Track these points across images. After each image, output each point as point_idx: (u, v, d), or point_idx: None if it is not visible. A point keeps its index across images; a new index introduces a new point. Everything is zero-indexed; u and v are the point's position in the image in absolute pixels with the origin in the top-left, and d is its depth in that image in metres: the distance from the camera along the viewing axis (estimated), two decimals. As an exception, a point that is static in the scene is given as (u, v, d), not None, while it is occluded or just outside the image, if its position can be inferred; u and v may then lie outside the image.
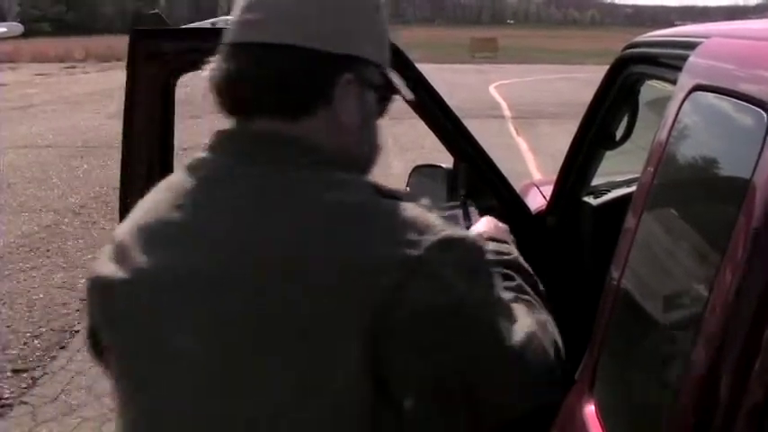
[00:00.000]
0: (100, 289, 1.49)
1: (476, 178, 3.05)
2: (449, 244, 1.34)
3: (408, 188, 3.36)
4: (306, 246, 1.32)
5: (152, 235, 1.44)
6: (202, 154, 1.49)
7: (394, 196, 1.41)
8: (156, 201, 1.50)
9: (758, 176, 1.27)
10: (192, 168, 1.49)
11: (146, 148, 2.66)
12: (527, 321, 1.46)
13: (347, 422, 1.34)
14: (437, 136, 2.96)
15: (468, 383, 1.39)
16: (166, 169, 2.68)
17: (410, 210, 1.37)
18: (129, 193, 2.67)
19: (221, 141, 1.49)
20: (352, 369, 1.31)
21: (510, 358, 1.39)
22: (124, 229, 1.50)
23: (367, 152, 1.56)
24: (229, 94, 1.48)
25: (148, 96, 2.64)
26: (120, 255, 1.46)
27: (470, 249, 1.40)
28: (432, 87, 2.86)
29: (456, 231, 1.39)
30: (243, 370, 1.34)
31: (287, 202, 1.36)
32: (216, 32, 2.68)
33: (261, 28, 1.43)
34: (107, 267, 1.47)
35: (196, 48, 2.75)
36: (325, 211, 1.35)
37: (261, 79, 1.43)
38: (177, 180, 1.51)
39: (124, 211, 2.66)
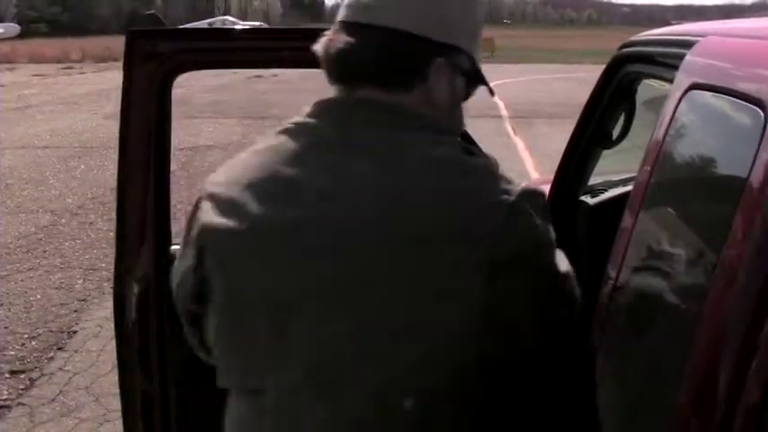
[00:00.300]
0: (217, 239, 1.63)
1: None
2: (529, 192, 1.60)
3: None
4: (423, 194, 1.53)
5: (265, 190, 1.60)
6: (300, 120, 1.70)
7: (483, 155, 1.70)
8: (261, 161, 1.67)
9: (755, 174, 1.27)
10: (294, 133, 1.68)
11: (142, 149, 2.65)
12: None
13: (458, 366, 1.56)
14: None
15: (538, 311, 1.64)
16: (163, 169, 2.68)
17: (496, 166, 1.63)
18: (127, 193, 2.68)
19: (324, 109, 1.70)
20: (469, 302, 1.52)
21: (569, 291, 1.69)
22: (226, 187, 1.66)
23: (455, 129, 1.78)
24: (339, 63, 1.67)
25: (145, 97, 2.63)
26: (231, 208, 1.61)
27: (543, 197, 1.71)
28: None
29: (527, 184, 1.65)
30: (359, 299, 1.53)
31: (401, 157, 1.57)
32: (212, 33, 2.66)
33: (374, 12, 1.63)
34: (219, 220, 1.62)
35: (193, 48, 2.75)
36: (437, 164, 1.57)
37: (369, 54, 1.62)
38: (278, 143, 1.68)
39: (122, 211, 2.67)
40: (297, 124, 1.69)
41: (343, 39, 1.65)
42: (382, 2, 1.63)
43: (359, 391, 1.55)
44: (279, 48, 2.86)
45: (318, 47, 1.71)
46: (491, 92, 1.85)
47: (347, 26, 1.66)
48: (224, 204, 1.63)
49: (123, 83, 2.63)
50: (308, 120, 1.69)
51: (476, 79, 1.78)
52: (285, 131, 1.70)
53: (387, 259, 1.51)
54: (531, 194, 1.60)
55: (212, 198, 1.66)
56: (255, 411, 1.71)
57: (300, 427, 1.61)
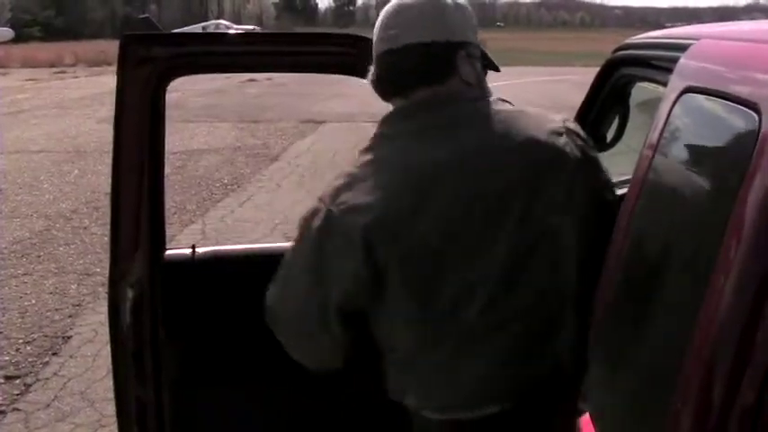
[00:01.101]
0: (390, 228, 1.98)
1: None
2: (568, 122, 2.15)
3: None
4: (515, 138, 2.04)
5: (420, 178, 2.00)
6: (390, 130, 2.12)
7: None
8: (385, 159, 2.07)
9: (750, 177, 1.27)
10: (393, 136, 2.10)
11: (136, 153, 2.65)
12: None
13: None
14: None
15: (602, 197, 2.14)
16: (158, 174, 2.68)
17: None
18: (121, 197, 2.67)
19: (402, 114, 2.12)
20: (556, 209, 2.02)
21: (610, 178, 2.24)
22: (366, 193, 2.02)
23: (490, 94, 2.21)
24: (393, 80, 2.12)
25: (139, 101, 2.63)
26: (386, 199, 1.99)
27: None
28: None
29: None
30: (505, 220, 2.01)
31: (482, 118, 2.09)
32: (206, 37, 2.65)
33: (403, 37, 2.08)
34: (383, 211, 1.98)
35: (186, 53, 2.75)
36: (505, 114, 2.11)
37: (413, 65, 2.08)
38: (387, 148, 2.10)
39: (116, 215, 2.67)
40: (389, 133, 2.12)
41: (388, 62, 2.11)
42: (406, 27, 2.08)
43: (529, 291, 2.01)
44: (273, 52, 2.87)
45: (368, 78, 2.17)
46: (496, 68, 2.30)
47: (386, 54, 2.11)
48: (379, 202, 1.99)
49: (117, 87, 2.63)
50: (398, 127, 2.11)
51: (485, 60, 2.22)
52: (383, 139, 2.12)
53: (516, 181, 2.00)
54: (570, 122, 2.15)
55: (355, 209, 2.01)
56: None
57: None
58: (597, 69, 2.88)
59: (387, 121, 2.14)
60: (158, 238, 2.74)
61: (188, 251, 2.92)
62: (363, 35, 2.79)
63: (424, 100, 2.08)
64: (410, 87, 2.09)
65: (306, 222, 2.14)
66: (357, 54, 2.77)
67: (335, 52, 2.83)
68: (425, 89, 2.08)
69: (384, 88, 2.15)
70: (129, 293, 2.66)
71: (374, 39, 2.17)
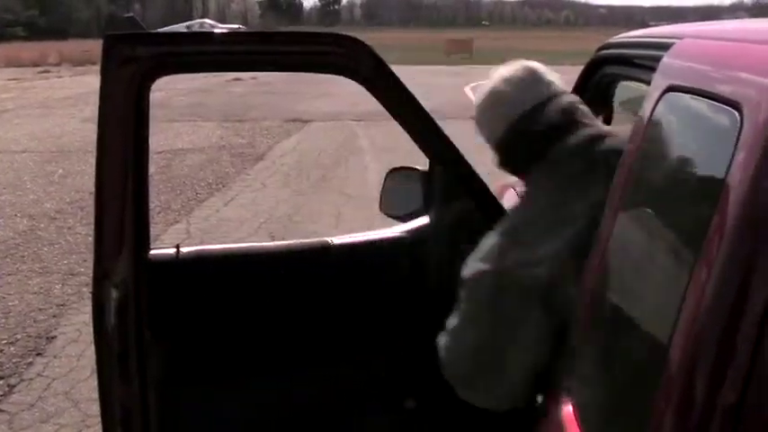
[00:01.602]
0: (566, 275, 2.02)
1: (451, 180, 3.05)
2: None
3: (384, 192, 3.37)
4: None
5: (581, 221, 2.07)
6: (540, 185, 2.33)
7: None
8: (553, 210, 2.21)
9: (732, 176, 1.28)
10: (545, 188, 2.29)
11: (120, 153, 2.63)
12: None
13: None
14: (413, 138, 2.96)
15: None
16: (142, 174, 2.67)
17: None
18: (105, 197, 2.66)
19: (547, 169, 2.30)
20: None
21: None
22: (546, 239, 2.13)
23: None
24: (505, 162, 2.48)
25: (123, 101, 2.62)
26: (565, 248, 2.06)
27: None
28: (407, 90, 2.86)
29: None
30: None
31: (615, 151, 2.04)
32: (191, 37, 2.64)
33: (490, 140, 2.52)
34: (557, 261, 2.06)
35: (171, 52, 2.74)
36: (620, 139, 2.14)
37: (512, 149, 2.43)
38: (549, 201, 2.24)
39: (100, 215, 2.65)
40: (540, 187, 2.32)
41: (494, 157, 2.48)
42: (487, 132, 2.50)
43: None
44: (259, 51, 2.86)
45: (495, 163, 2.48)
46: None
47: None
48: (550, 252, 2.08)
49: (101, 87, 2.61)
50: (545, 181, 2.28)
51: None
52: (536, 193, 2.34)
53: None
54: None
55: (528, 263, 2.11)
56: None
57: None
58: (582, 68, 2.89)
59: (535, 179, 2.31)
60: (143, 238, 2.73)
61: (172, 251, 2.90)
62: (348, 34, 2.79)
63: (563, 152, 2.24)
64: (519, 164, 2.38)
65: (473, 287, 2.23)
66: (343, 53, 2.77)
67: (322, 51, 2.83)
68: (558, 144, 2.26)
69: (505, 164, 2.45)
70: (114, 294, 2.65)
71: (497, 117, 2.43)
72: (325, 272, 3.01)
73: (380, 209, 3.41)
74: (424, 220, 3.14)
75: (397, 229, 3.15)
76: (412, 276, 3.03)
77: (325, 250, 3.03)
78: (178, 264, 2.89)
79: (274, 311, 2.97)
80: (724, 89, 1.45)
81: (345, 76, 2.83)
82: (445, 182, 3.09)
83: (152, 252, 2.81)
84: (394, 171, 3.40)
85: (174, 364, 2.89)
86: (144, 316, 2.70)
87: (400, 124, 2.92)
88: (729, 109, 1.36)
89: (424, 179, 3.18)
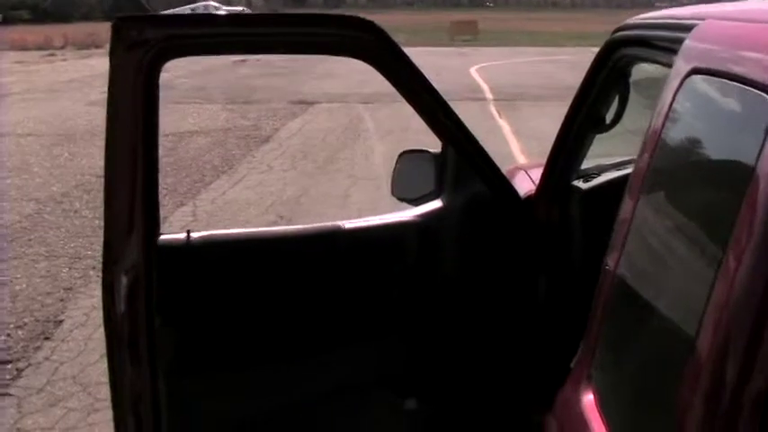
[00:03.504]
0: None
1: (463, 163, 3.03)
2: None
3: (396, 175, 3.35)
4: None
5: None
6: None
7: None
8: None
9: (763, 163, 1.24)
10: None
11: (130, 137, 2.62)
12: None
13: None
14: (425, 120, 2.94)
15: None
16: (151, 157, 2.65)
17: None
18: (114, 181, 2.65)
19: None
20: None
21: None
22: None
23: None
24: None
25: (132, 84, 2.59)
26: None
27: None
28: (419, 71, 2.84)
29: None
30: None
31: None
32: (200, 19, 2.60)
33: None
34: None
35: (180, 34, 2.71)
36: None
37: None
38: None
39: (110, 199, 2.64)
40: None
41: None
42: None
43: None
44: (267, 33, 2.83)
45: None
46: None
47: None
48: None
49: (110, 70, 2.58)
50: None
51: None
52: None
53: None
54: None
55: None
56: None
57: None
58: (587, 50, 2.85)
59: None
60: (153, 223, 2.70)
61: (183, 236, 2.87)
62: (357, 15, 2.76)
63: None
64: None
65: None
66: (353, 35, 2.75)
67: (331, 33, 2.80)
68: None
69: None
70: (124, 279, 2.63)
71: None
72: (337, 256, 2.98)
73: (392, 192, 3.38)
74: (436, 203, 3.11)
75: (408, 213, 3.12)
76: (424, 260, 3.01)
77: (337, 234, 3.00)
78: (188, 249, 2.86)
79: (285, 296, 2.94)
80: (752, 72, 1.41)
81: (356, 57, 2.80)
82: (457, 164, 3.06)
83: (162, 237, 2.79)
84: (405, 154, 3.38)
85: (184, 349, 2.88)
86: (154, 302, 2.67)
87: (411, 105, 2.90)
88: (759, 92, 1.33)
89: (437, 162, 3.15)
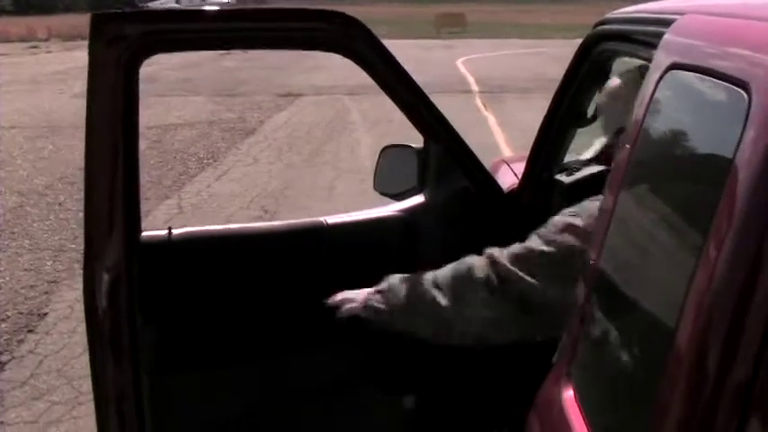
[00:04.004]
0: None
1: (445, 158, 3.03)
2: None
3: (378, 169, 3.35)
4: None
5: None
6: None
7: None
8: None
9: (740, 157, 1.25)
10: None
11: (110, 133, 2.59)
12: None
13: None
14: (406, 115, 2.94)
15: None
16: (132, 153, 2.64)
17: None
18: (94, 178, 2.62)
19: None
20: None
21: None
22: None
23: None
24: None
25: (112, 80, 2.56)
26: None
27: None
28: (400, 66, 2.84)
29: None
30: None
31: None
32: (181, 14, 2.58)
33: None
34: None
35: (161, 30, 2.68)
36: None
37: None
38: None
39: (90, 195, 2.61)
40: None
41: None
42: None
43: None
44: (251, 29, 2.83)
45: None
46: None
47: None
48: None
49: (89, 66, 2.56)
50: None
51: None
52: None
53: None
54: None
55: None
56: None
57: None
58: (574, 42, 2.86)
59: None
60: (133, 220, 2.68)
61: (164, 233, 2.86)
62: (341, 11, 2.76)
63: None
64: None
65: None
66: (336, 30, 2.74)
67: (316, 28, 2.80)
68: None
69: None
70: (105, 277, 2.61)
71: None
72: (320, 252, 2.98)
73: (374, 187, 3.38)
74: (418, 198, 3.12)
75: (391, 208, 3.12)
76: (406, 255, 3.01)
77: (320, 230, 3.00)
78: (170, 245, 2.85)
79: (269, 293, 2.93)
80: (730, 67, 1.41)
81: (339, 53, 2.80)
82: (439, 159, 3.06)
83: (144, 234, 2.77)
84: (388, 148, 3.38)
85: (166, 347, 2.87)
86: (136, 299, 2.66)
87: (393, 101, 2.90)
88: (737, 89, 1.33)
89: (419, 156, 3.16)
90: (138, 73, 2.62)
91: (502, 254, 2.40)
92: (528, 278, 2.30)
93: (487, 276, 2.36)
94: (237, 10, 2.88)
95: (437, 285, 2.46)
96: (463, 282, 2.41)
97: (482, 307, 2.35)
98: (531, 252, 2.35)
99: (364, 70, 2.83)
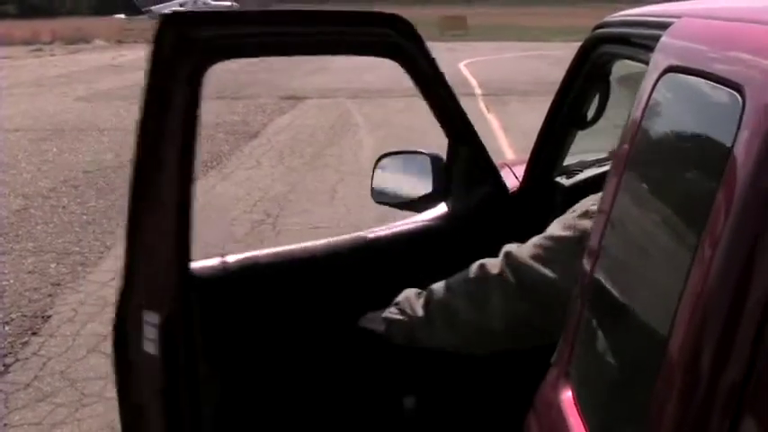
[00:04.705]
0: None
1: (472, 163, 3.01)
2: None
3: (376, 179, 3.23)
4: None
5: None
6: None
7: None
8: None
9: (734, 158, 1.27)
10: None
11: (167, 150, 2.27)
12: None
13: None
14: (439, 119, 2.92)
15: None
16: (188, 174, 2.34)
17: None
18: (144, 201, 2.31)
19: None
20: None
21: None
22: None
23: None
24: None
25: (173, 90, 2.25)
26: None
27: None
28: (441, 71, 2.84)
29: None
30: None
31: None
32: (250, 17, 2.41)
33: None
34: None
35: (231, 34, 2.45)
36: None
37: None
38: None
39: (137, 221, 2.32)
40: None
41: None
42: None
43: None
44: (320, 33, 2.67)
45: None
46: None
47: None
48: None
49: (150, 74, 2.24)
50: None
51: None
52: None
53: None
54: None
55: None
56: None
57: None
58: (575, 45, 2.88)
59: None
60: (186, 250, 2.35)
61: (217, 262, 2.59)
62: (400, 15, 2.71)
63: None
64: None
65: None
66: (396, 35, 2.69)
67: (381, 33, 2.70)
68: None
69: None
70: (156, 317, 2.27)
71: None
72: (368, 267, 2.84)
73: (372, 196, 3.27)
74: (442, 206, 3.05)
75: (423, 217, 3.04)
76: (449, 264, 2.88)
77: (369, 244, 2.87)
78: (226, 277, 2.56)
79: (325, 316, 2.71)
80: (725, 70, 1.43)
81: (391, 58, 2.74)
82: (467, 165, 3.03)
83: (193, 265, 2.46)
84: (385, 156, 3.32)
85: (232, 397, 2.59)
86: (194, 342, 2.36)
87: (430, 105, 2.88)
88: (731, 91, 1.34)
89: (435, 163, 3.08)
90: (202, 82, 2.32)
91: (520, 248, 2.34)
92: (544, 269, 2.24)
93: (501, 272, 2.30)
94: (311, 12, 2.65)
95: (450, 291, 2.40)
96: (477, 282, 2.35)
97: (501, 302, 2.28)
98: (550, 239, 2.30)
99: (409, 74, 2.80)
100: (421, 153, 3.14)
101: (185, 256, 2.35)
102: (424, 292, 2.48)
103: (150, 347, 2.27)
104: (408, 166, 3.16)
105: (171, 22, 2.28)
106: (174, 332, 2.29)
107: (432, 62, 2.78)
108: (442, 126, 2.95)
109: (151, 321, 2.26)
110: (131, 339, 2.32)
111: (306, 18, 2.65)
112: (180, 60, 2.25)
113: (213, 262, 2.58)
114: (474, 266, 2.39)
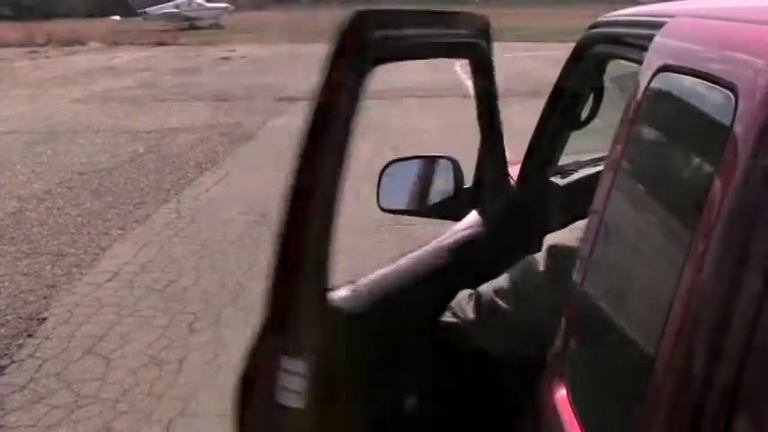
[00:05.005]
0: None
1: (499, 167, 3.03)
2: None
3: (382, 186, 3.13)
4: None
5: None
6: None
7: None
8: None
9: (727, 158, 1.27)
10: None
11: (332, 160, 2.01)
12: None
13: None
14: (482, 123, 2.93)
15: None
16: (336, 186, 2.05)
17: None
18: (298, 219, 2.00)
19: None
20: None
21: None
22: None
23: None
24: None
25: (352, 95, 2.03)
26: None
27: None
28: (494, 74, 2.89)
29: None
30: None
31: None
32: (416, 17, 2.33)
33: None
34: None
35: (399, 36, 2.24)
36: None
37: None
38: None
39: (289, 242, 1.99)
40: None
41: None
42: None
43: None
44: (450, 35, 2.61)
45: None
46: None
47: None
48: None
49: (328, 77, 2.01)
50: None
51: None
52: None
53: None
54: None
55: None
56: None
57: None
58: (571, 45, 2.88)
59: None
60: (326, 274, 2.04)
61: (348, 292, 2.29)
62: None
63: None
64: None
65: None
66: (483, 36, 2.79)
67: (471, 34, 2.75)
68: None
69: None
70: (297, 365, 1.95)
71: None
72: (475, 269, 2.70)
73: (378, 203, 3.16)
74: (474, 212, 3.02)
75: (463, 224, 2.98)
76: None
77: (468, 244, 2.82)
78: (360, 305, 2.29)
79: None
80: (718, 69, 1.43)
81: (469, 58, 2.80)
82: (494, 170, 3.04)
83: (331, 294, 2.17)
84: (393, 162, 3.25)
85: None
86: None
87: (478, 107, 2.89)
88: (724, 90, 1.35)
89: (455, 168, 3.03)
90: (367, 82, 2.08)
91: (562, 238, 2.25)
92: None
93: (547, 267, 2.23)
94: (468, 14, 2.60)
95: (498, 292, 2.35)
96: (524, 280, 2.29)
97: (551, 298, 2.07)
98: None
99: (474, 75, 2.85)
100: (435, 157, 3.08)
101: (325, 288, 2.07)
102: (475, 293, 2.45)
103: (291, 399, 1.96)
104: (416, 171, 3.11)
105: (362, 21, 2.02)
106: (336, 377, 2.05)
107: (491, 64, 2.84)
108: (481, 128, 2.95)
109: (301, 371, 1.94)
110: (252, 389, 2.05)
111: (439, 20, 2.52)
112: (357, 62, 2.03)
113: (346, 291, 2.28)
114: (519, 264, 2.35)
